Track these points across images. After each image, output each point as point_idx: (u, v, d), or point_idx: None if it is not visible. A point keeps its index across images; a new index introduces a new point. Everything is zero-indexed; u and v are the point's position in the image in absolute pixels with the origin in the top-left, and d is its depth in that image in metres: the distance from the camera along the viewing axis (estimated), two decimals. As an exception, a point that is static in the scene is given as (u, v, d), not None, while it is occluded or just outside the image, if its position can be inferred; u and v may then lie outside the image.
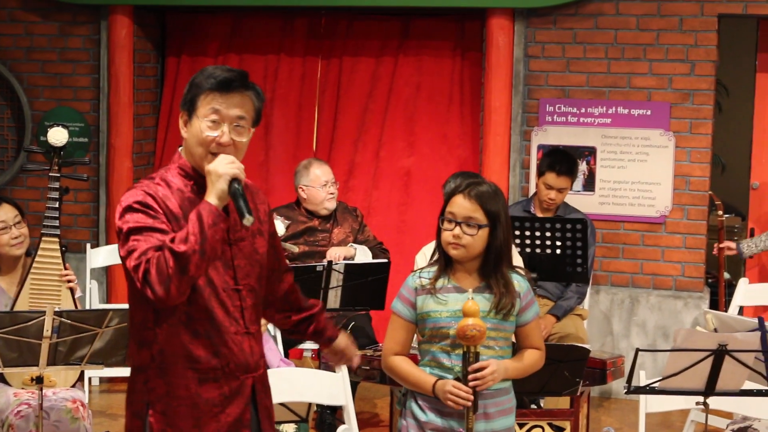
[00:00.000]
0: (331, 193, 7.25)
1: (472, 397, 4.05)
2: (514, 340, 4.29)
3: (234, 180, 3.45)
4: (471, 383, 4.04)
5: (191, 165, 3.60)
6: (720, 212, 7.76)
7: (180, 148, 3.68)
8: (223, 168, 3.45)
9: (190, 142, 3.59)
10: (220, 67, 3.63)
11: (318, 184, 7.22)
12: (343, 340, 4.06)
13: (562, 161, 7.25)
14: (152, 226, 3.45)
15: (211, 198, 3.43)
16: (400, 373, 4.23)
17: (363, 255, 7.09)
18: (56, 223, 5.76)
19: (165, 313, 3.51)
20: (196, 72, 3.65)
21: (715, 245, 7.75)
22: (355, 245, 7.17)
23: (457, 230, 4.10)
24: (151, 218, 3.46)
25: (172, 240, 3.38)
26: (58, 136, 5.87)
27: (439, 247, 4.21)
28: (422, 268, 4.27)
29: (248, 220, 3.41)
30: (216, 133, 3.55)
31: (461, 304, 4.08)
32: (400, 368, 4.22)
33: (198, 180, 3.59)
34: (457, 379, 4.09)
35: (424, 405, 4.17)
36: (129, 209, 3.47)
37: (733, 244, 7.62)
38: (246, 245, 3.66)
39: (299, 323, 3.99)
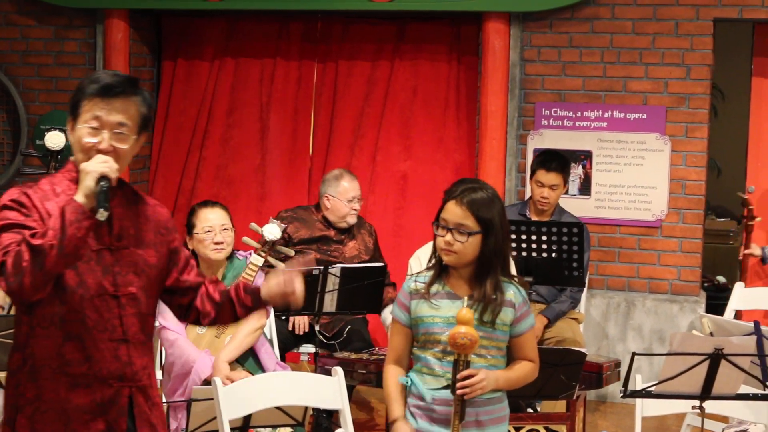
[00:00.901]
0: (355, 209, 7.20)
1: None
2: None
3: (102, 178, 3.40)
4: (459, 391, 4.02)
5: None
6: (748, 216, 7.59)
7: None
8: (93, 166, 3.41)
9: (75, 147, 3.55)
10: (107, 72, 3.61)
11: (345, 198, 7.17)
12: (271, 280, 3.81)
13: (552, 158, 7.27)
14: (22, 224, 3.40)
15: (78, 195, 3.39)
16: (384, 388, 4.28)
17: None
18: None
19: (39, 315, 3.46)
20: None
21: (741, 249, 7.68)
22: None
23: (449, 237, 4.10)
24: (23, 216, 3.42)
25: (33, 235, 3.34)
26: (55, 140, 5.89)
27: (434, 253, 4.21)
28: (419, 273, 4.26)
29: (101, 214, 3.35)
30: (96, 139, 3.51)
31: (455, 310, 4.06)
32: (385, 384, 4.26)
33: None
34: (446, 387, 4.09)
35: (416, 412, 4.17)
36: (3, 207, 3.44)
37: (758, 250, 7.56)
38: (130, 253, 3.60)
39: (234, 306, 3.87)
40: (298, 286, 3.76)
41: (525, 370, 4.23)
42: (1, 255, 3.34)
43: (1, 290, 3.77)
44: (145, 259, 3.63)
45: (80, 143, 3.52)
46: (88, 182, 3.38)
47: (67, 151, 5.95)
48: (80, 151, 3.52)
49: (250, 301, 3.83)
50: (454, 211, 4.10)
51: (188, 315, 3.90)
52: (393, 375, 4.25)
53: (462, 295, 4.13)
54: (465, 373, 4.02)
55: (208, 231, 5.79)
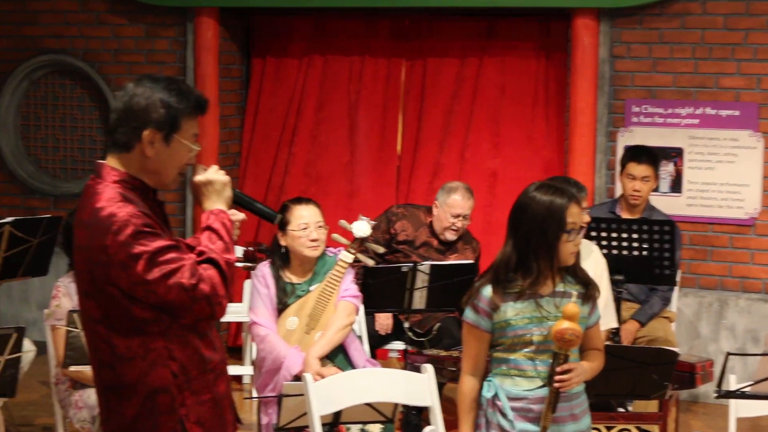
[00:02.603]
0: (456, 227, 7.12)
1: None
2: None
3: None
4: (556, 384, 4.05)
5: (140, 182, 3.53)
6: None
7: (106, 163, 3.53)
8: (225, 177, 3.57)
9: (164, 159, 3.52)
10: (186, 84, 3.60)
11: (450, 211, 7.11)
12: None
13: (643, 152, 7.23)
14: (173, 245, 3.44)
15: (222, 205, 3.55)
16: (459, 401, 4.27)
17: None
18: None
19: (176, 327, 3.48)
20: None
21: None
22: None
23: (579, 237, 4.15)
24: (162, 238, 3.43)
25: (217, 251, 3.45)
26: None
27: (544, 257, 4.15)
28: (499, 278, 4.22)
29: (278, 219, 3.54)
30: (196, 151, 3.59)
31: (540, 309, 4.10)
32: (461, 397, 4.25)
33: (148, 195, 3.55)
34: (543, 386, 4.10)
35: (511, 414, 4.14)
36: (140, 233, 3.39)
37: None
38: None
39: None
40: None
41: (600, 361, 4.28)
42: (200, 280, 3.40)
43: None
44: None
45: (182, 157, 3.54)
46: (229, 192, 3.57)
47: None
48: (177, 164, 3.54)
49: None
50: (578, 214, 4.16)
51: None
52: (469, 389, 4.24)
53: (543, 293, 4.13)
54: (565, 366, 4.06)
55: (304, 228, 5.81)
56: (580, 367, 4.11)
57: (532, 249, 4.13)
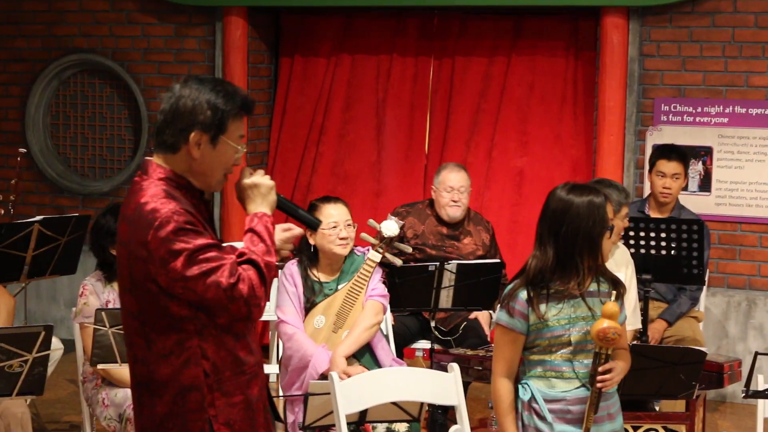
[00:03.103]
0: (455, 200, 7.15)
1: None
2: None
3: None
4: (599, 384, 4.07)
5: (186, 180, 3.56)
6: None
7: (153, 160, 3.57)
8: (270, 181, 3.60)
9: (210, 161, 3.54)
10: (234, 86, 3.61)
11: (443, 188, 7.15)
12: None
13: (673, 149, 7.21)
14: (214, 244, 3.46)
15: (266, 209, 3.58)
16: (496, 402, 4.25)
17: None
18: None
19: (209, 325, 3.50)
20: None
21: None
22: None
23: (614, 237, 4.18)
24: (204, 236, 3.45)
25: (258, 254, 3.47)
26: None
27: (582, 254, 4.14)
28: (532, 279, 4.21)
29: (319, 226, 3.54)
30: (242, 152, 3.61)
31: (574, 309, 4.11)
32: (499, 399, 4.24)
33: (194, 194, 3.57)
34: (582, 386, 4.11)
35: (549, 416, 4.13)
36: (181, 230, 3.41)
37: None
38: None
39: None
40: (297, 230, 3.80)
41: (628, 360, 4.28)
42: (239, 280, 3.43)
43: None
44: None
45: (230, 158, 3.56)
46: (274, 196, 3.61)
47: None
48: (222, 165, 3.56)
49: None
50: (612, 212, 4.26)
51: None
52: (506, 391, 4.23)
53: (576, 293, 4.12)
54: (607, 366, 4.08)
55: (334, 226, 5.81)
56: (618, 366, 4.13)
57: (577, 250, 4.12)
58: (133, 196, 3.50)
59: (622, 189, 5.81)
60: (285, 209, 3.74)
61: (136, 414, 3.64)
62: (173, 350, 3.48)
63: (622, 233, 6.23)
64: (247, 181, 3.59)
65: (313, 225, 3.85)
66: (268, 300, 3.55)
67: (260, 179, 3.60)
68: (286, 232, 3.73)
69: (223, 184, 3.61)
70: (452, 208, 7.14)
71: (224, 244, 3.58)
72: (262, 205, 3.58)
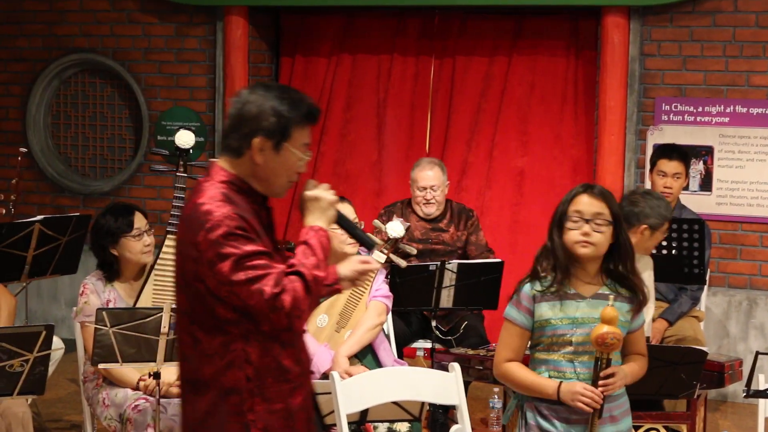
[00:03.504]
0: (426, 199, 7.16)
1: (601, 400, 4.03)
2: None
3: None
4: (600, 389, 4.06)
5: (248, 185, 3.58)
6: None
7: (217, 162, 3.61)
8: (332, 196, 3.60)
9: (273, 167, 3.56)
10: (301, 94, 3.63)
11: (415, 186, 7.18)
12: (345, 269, 3.70)
13: (673, 149, 7.20)
14: (264, 251, 3.47)
15: (323, 223, 3.58)
16: (516, 378, 4.21)
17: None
18: None
19: (254, 331, 3.51)
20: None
21: None
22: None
23: (587, 228, 4.08)
24: (254, 243, 3.47)
25: (307, 266, 3.47)
26: (186, 138, 6.01)
27: (559, 251, 4.15)
28: (538, 275, 4.21)
29: (376, 246, 3.57)
30: (305, 160, 3.62)
31: (581, 310, 4.09)
32: (517, 374, 4.20)
33: (256, 199, 3.59)
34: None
35: (550, 415, 4.14)
36: (231, 235, 3.44)
37: None
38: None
39: None
40: (374, 264, 3.74)
41: (642, 365, 4.26)
42: (283, 291, 3.43)
43: None
44: None
45: (292, 165, 3.58)
46: (333, 212, 3.62)
47: (194, 150, 6.08)
48: (287, 172, 3.58)
49: (324, 276, 3.76)
50: (590, 203, 4.11)
51: None
52: (517, 365, 4.21)
53: (586, 294, 4.12)
54: (609, 371, 4.06)
55: None
56: (621, 371, 4.12)
57: (553, 238, 4.15)
58: (193, 195, 3.55)
59: (667, 204, 5.71)
60: (343, 226, 3.76)
61: (182, 409, 3.68)
62: (217, 351, 3.51)
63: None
64: (309, 193, 3.61)
65: (369, 245, 3.82)
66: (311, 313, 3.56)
67: (322, 193, 3.61)
68: (362, 264, 3.71)
69: (286, 191, 3.63)
70: (426, 206, 7.17)
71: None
72: (320, 219, 3.59)
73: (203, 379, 3.55)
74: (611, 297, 4.07)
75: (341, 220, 3.70)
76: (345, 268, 3.61)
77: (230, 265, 3.40)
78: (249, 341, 3.50)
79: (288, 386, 3.57)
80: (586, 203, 4.11)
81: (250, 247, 3.43)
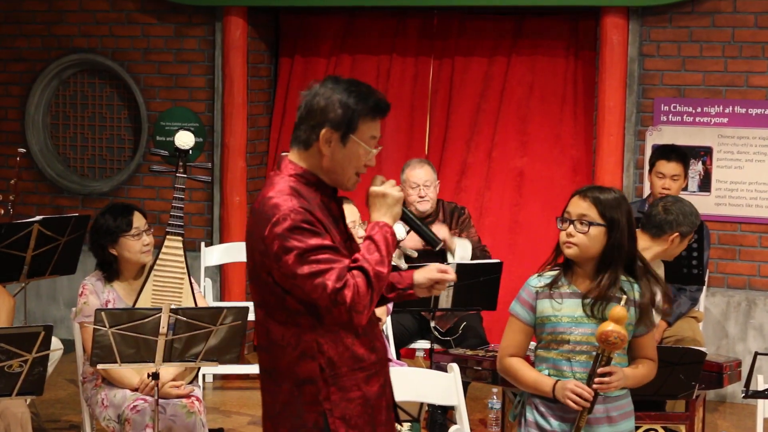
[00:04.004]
0: (421, 197, 7.22)
1: (591, 399, 4.02)
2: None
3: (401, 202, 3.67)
4: (595, 386, 4.04)
5: (317, 177, 3.65)
6: None
7: (287, 156, 3.69)
8: (399, 193, 3.65)
9: (340, 159, 3.62)
10: (370, 88, 3.70)
11: (407, 185, 7.22)
12: (420, 275, 3.84)
13: (672, 150, 7.20)
14: (329, 246, 3.53)
15: (389, 220, 3.63)
16: (516, 374, 4.21)
17: (461, 249, 7.05)
18: (181, 222, 5.91)
19: (328, 321, 3.57)
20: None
21: None
22: (457, 239, 7.13)
23: (570, 228, 4.09)
24: (320, 237, 3.52)
25: (371, 262, 3.51)
26: (185, 139, 6.02)
27: (558, 250, 4.19)
28: (543, 271, 4.23)
29: (440, 245, 3.69)
30: (373, 153, 3.68)
31: (581, 309, 4.09)
32: (517, 370, 4.21)
33: (325, 192, 3.67)
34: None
35: (547, 412, 4.15)
36: (297, 228, 3.50)
37: None
38: (357, 246, 3.78)
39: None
40: (450, 275, 3.82)
41: (648, 369, 4.24)
42: (346, 286, 3.48)
43: None
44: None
45: (358, 158, 3.64)
46: (399, 209, 3.66)
47: (193, 151, 6.09)
48: (351, 164, 3.64)
49: (398, 280, 3.86)
50: (577, 204, 4.12)
51: None
52: (518, 360, 4.22)
53: (590, 294, 4.12)
54: (606, 369, 4.05)
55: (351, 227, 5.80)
56: (621, 372, 4.09)
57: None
58: (263, 189, 3.63)
59: (697, 212, 5.65)
60: (409, 223, 3.80)
61: (262, 398, 3.77)
62: (290, 342, 3.59)
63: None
64: (376, 189, 3.67)
65: (434, 243, 3.85)
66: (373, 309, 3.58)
67: (389, 189, 3.66)
68: (440, 273, 3.77)
69: (356, 184, 3.69)
70: (420, 204, 7.21)
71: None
72: (385, 216, 3.64)
73: (279, 369, 3.64)
74: (624, 298, 4.06)
75: (407, 218, 3.75)
76: (420, 275, 3.70)
77: (294, 258, 3.47)
78: (319, 332, 3.57)
79: (363, 374, 3.63)
80: (573, 204, 4.14)
81: (314, 241, 3.49)
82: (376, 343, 3.69)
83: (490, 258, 7.17)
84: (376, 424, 3.67)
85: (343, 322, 3.52)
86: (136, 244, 5.71)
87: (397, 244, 5.79)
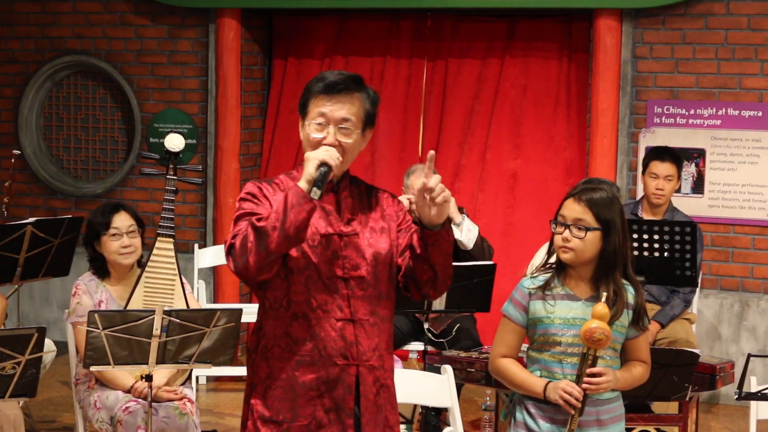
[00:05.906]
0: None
1: (581, 398, 4.01)
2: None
3: (323, 164, 3.57)
4: (584, 386, 4.02)
5: None
6: None
7: None
8: (314, 153, 3.60)
9: (304, 144, 3.72)
10: (333, 72, 3.77)
11: (412, 192, 7.17)
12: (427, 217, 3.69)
13: (666, 151, 7.21)
14: (253, 211, 3.62)
15: (301, 182, 3.57)
16: (508, 375, 4.19)
17: (467, 231, 6.99)
18: (172, 224, 5.90)
19: (271, 298, 3.67)
20: (305, 75, 3.78)
21: None
22: (466, 219, 7.06)
23: (566, 233, 4.07)
24: (255, 205, 3.65)
25: (258, 219, 3.54)
26: (175, 141, 6.03)
27: (550, 252, 4.18)
28: (536, 273, 4.22)
29: (314, 193, 3.54)
30: (322, 134, 3.68)
31: (574, 311, 4.07)
32: (509, 370, 4.19)
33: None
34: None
35: (536, 414, 4.14)
36: (240, 200, 3.69)
37: None
38: (358, 240, 3.72)
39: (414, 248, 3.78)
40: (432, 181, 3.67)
41: (641, 372, 4.22)
42: (231, 238, 3.58)
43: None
44: (372, 244, 3.74)
45: (308, 139, 3.70)
46: (309, 168, 3.57)
47: (184, 154, 6.09)
48: (309, 146, 3.69)
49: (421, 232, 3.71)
50: (572, 208, 4.08)
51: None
52: (510, 362, 4.19)
53: (581, 296, 4.10)
54: (595, 370, 4.03)
55: None
56: (611, 373, 4.07)
57: (552, 237, 4.18)
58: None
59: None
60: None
61: None
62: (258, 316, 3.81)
63: None
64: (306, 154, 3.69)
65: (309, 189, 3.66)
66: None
67: (308, 153, 3.64)
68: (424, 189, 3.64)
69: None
70: None
71: None
72: (302, 178, 3.59)
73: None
74: (604, 295, 4.04)
75: (318, 174, 3.61)
76: (301, 180, 3.58)
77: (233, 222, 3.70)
78: (266, 307, 3.70)
79: (294, 359, 3.65)
80: (568, 208, 4.10)
81: (246, 205, 3.67)
82: (321, 334, 3.64)
83: (492, 252, 7.14)
84: (298, 414, 3.65)
85: (240, 274, 3.59)
86: (113, 245, 5.72)
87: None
